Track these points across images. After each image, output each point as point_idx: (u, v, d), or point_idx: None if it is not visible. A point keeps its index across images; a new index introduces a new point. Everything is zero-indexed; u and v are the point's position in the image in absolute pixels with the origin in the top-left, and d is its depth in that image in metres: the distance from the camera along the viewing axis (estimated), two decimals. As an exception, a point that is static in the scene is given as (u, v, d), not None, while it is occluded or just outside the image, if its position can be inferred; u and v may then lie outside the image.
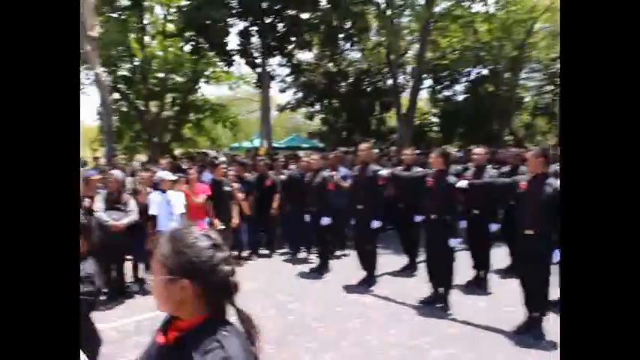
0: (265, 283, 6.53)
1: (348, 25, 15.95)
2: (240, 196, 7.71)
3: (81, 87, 18.88)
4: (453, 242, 5.42)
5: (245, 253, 8.03)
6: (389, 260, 7.46)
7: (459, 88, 22.76)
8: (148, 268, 6.33)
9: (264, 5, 14.93)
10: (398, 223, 7.73)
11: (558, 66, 16.55)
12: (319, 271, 7.15)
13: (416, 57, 17.85)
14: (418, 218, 6.57)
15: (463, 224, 6.21)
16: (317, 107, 22.81)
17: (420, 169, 6.94)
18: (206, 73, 19.47)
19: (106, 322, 4.79)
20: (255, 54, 16.27)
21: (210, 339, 1.25)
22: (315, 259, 7.66)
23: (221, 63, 17.43)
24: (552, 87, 21.09)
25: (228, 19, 15.08)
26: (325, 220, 7.07)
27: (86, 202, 6.11)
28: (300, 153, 15.24)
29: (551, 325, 4.63)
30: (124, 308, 5.75)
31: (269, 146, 16.19)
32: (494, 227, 6.31)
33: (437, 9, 17.30)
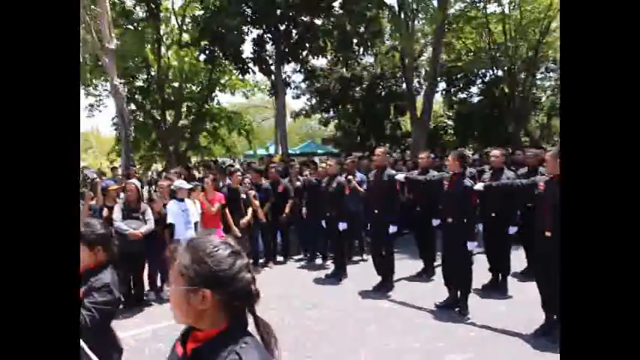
0: (282, 290, 6.55)
1: (362, 29, 15.94)
2: (257, 203, 7.76)
3: (99, 98, 19.23)
4: (470, 245, 5.38)
5: (261, 261, 8.06)
6: (406, 264, 7.43)
7: (473, 90, 22.65)
8: (164, 277, 6.40)
9: (278, 12, 15.03)
10: (414, 227, 7.71)
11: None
12: (336, 277, 7.14)
13: (430, 60, 17.76)
14: (435, 222, 6.54)
15: (480, 227, 6.17)
16: (331, 113, 22.83)
17: (435, 172, 6.92)
18: (221, 81, 19.65)
19: (123, 330, 4.83)
20: (270, 61, 16.36)
21: (229, 350, 1.23)
22: (330, 265, 7.66)
23: (236, 71, 17.55)
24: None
25: (243, 27, 15.19)
26: (342, 226, 7.07)
27: (105, 211, 6.21)
28: (315, 159, 15.28)
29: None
30: (141, 317, 5.81)
31: (284, 153, 16.24)
32: (512, 230, 6.26)
33: (451, 11, 17.23)
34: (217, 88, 19.55)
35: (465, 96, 22.98)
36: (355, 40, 16.15)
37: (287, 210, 8.29)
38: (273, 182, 8.49)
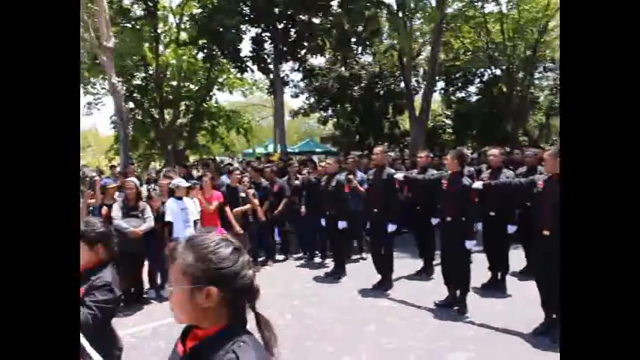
0: (281, 288, 6.55)
1: (360, 28, 15.96)
2: (255, 201, 7.75)
3: (97, 97, 19.22)
4: (469, 244, 5.38)
5: (260, 259, 8.06)
6: (405, 263, 7.43)
7: (472, 89, 22.72)
8: (164, 275, 6.39)
9: (277, 11, 15.02)
10: (414, 226, 7.71)
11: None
12: (335, 276, 7.15)
13: (428, 59, 17.79)
14: (434, 221, 6.54)
15: (479, 226, 6.17)
16: (330, 111, 22.86)
17: (434, 171, 6.92)
18: (220, 80, 19.64)
19: (123, 328, 4.83)
20: (268, 60, 16.36)
21: (226, 349, 1.22)
22: (330, 264, 7.66)
23: (234, 70, 17.56)
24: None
25: (241, 26, 15.19)
26: (341, 224, 7.08)
27: (104, 210, 6.20)
28: (314, 158, 15.29)
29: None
30: (141, 314, 5.80)
31: (282, 151, 16.25)
32: (511, 229, 6.26)
33: (449, 10, 17.25)
34: (216, 87, 19.56)
35: (464, 95, 23.06)
36: (354, 39, 16.19)
37: (280, 208, 8.29)
38: (268, 181, 8.48)
